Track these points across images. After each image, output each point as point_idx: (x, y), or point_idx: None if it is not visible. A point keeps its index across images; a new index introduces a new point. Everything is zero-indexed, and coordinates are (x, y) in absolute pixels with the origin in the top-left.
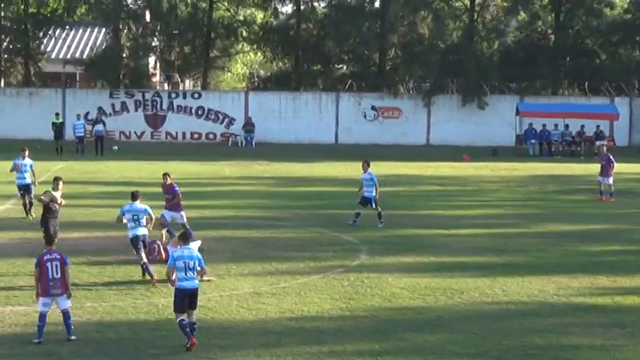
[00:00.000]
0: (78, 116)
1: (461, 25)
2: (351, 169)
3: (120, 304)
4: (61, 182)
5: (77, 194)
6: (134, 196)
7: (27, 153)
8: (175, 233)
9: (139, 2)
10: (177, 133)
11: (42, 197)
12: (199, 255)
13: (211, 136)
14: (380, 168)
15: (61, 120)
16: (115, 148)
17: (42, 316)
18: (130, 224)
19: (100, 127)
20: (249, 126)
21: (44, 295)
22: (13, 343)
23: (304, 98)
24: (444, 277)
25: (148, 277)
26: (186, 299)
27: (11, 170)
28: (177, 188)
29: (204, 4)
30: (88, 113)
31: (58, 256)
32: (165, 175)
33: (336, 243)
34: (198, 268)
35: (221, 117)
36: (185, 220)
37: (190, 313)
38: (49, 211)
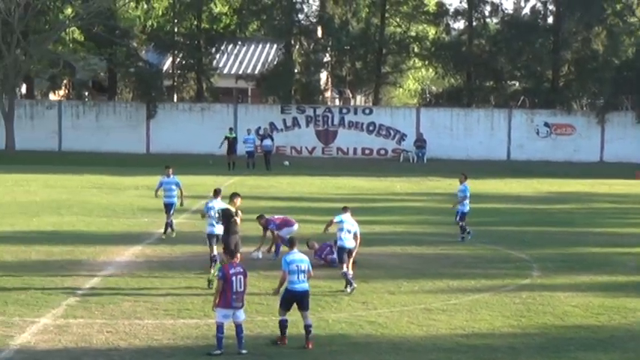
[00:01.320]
0: (248, 131)
1: (636, 40)
2: (524, 186)
3: (291, 318)
4: (238, 199)
5: (248, 209)
6: (216, 193)
7: (171, 171)
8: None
9: (310, 18)
10: (348, 148)
11: (229, 209)
12: (308, 259)
13: (382, 151)
14: (552, 185)
15: (234, 135)
16: (286, 163)
17: (220, 328)
18: (209, 221)
19: (267, 141)
20: (420, 142)
21: (226, 307)
22: (185, 356)
23: (476, 115)
24: (618, 295)
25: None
26: (294, 301)
27: (156, 191)
28: (271, 225)
29: (376, 20)
30: (259, 128)
31: (242, 270)
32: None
33: (508, 260)
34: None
35: (392, 133)
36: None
37: (304, 315)
38: (231, 225)
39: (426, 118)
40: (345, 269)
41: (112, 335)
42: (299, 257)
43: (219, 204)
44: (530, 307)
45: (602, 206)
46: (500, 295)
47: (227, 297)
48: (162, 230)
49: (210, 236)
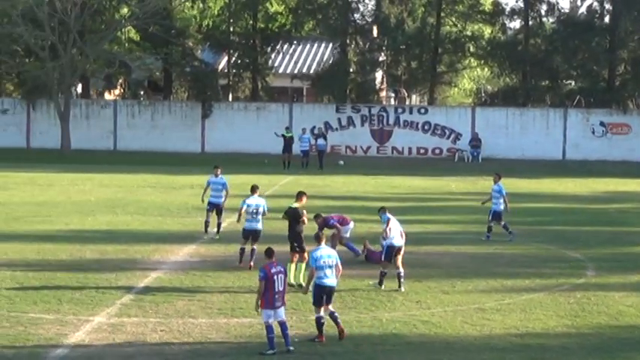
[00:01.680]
0: (303, 130)
1: None
2: (579, 186)
3: (344, 317)
4: (305, 197)
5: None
6: (253, 190)
7: (219, 171)
8: (357, 248)
9: (366, 17)
10: (403, 148)
11: (297, 208)
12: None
13: (437, 151)
14: (608, 184)
15: (290, 134)
16: (341, 162)
17: (270, 328)
18: (247, 217)
19: (321, 141)
20: (475, 141)
21: (269, 307)
22: (239, 355)
23: (532, 114)
24: None
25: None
26: (324, 295)
27: (202, 197)
28: (331, 221)
29: (431, 20)
30: (313, 127)
31: (282, 269)
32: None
33: (562, 260)
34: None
35: (447, 132)
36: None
37: (327, 307)
38: (297, 224)
39: (481, 117)
40: (386, 270)
41: (165, 334)
42: (327, 252)
43: (255, 200)
44: (585, 307)
45: None
46: (554, 294)
47: (270, 297)
48: (216, 230)
49: (246, 232)
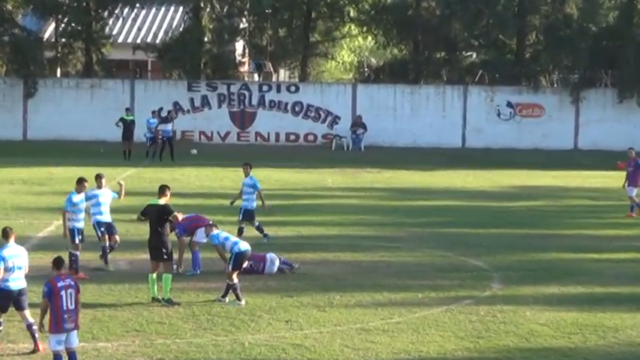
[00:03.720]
0: (153, 113)
1: (617, 3)
2: (482, 179)
3: (197, 340)
4: (168, 191)
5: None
6: (99, 178)
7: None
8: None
9: None
10: (269, 133)
11: (166, 206)
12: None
13: (311, 137)
14: (516, 178)
15: (131, 117)
16: (194, 151)
17: (58, 357)
18: (94, 210)
19: (168, 126)
20: (357, 126)
21: (58, 330)
22: None
23: (425, 92)
24: (595, 311)
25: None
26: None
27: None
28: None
29: None
30: (161, 109)
31: (73, 283)
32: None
33: (462, 269)
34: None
35: (323, 115)
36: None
37: (24, 315)
38: (162, 226)
39: (363, 96)
40: (236, 280)
41: None
42: (15, 252)
43: (105, 191)
44: (490, 326)
45: (576, 203)
46: (452, 311)
47: (58, 317)
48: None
49: (99, 224)
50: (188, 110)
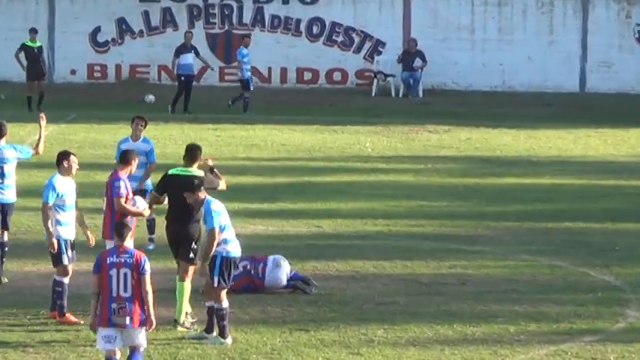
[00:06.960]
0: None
1: None
2: (612, 143)
3: None
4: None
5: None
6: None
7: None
8: None
9: None
10: (270, 69)
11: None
12: None
13: (338, 75)
14: None
15: (39, 43)
16: (150, 98)
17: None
18: None
19: (189, 58)
20: (411, 57)
21: (106, 323)
22: None
23: (520, 4)
24: None
25: None
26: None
27: None
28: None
29: None
30: (98, 28)
31: (131, 261)
32: None
33: (580, 287)
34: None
35: (358, 39)
36: None
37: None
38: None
39: (422, 10)
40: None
41: None
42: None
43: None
44: None
45: None
46: (565, 355)
47: (104, 305)
48: None
49: None
50: (141, 32)
